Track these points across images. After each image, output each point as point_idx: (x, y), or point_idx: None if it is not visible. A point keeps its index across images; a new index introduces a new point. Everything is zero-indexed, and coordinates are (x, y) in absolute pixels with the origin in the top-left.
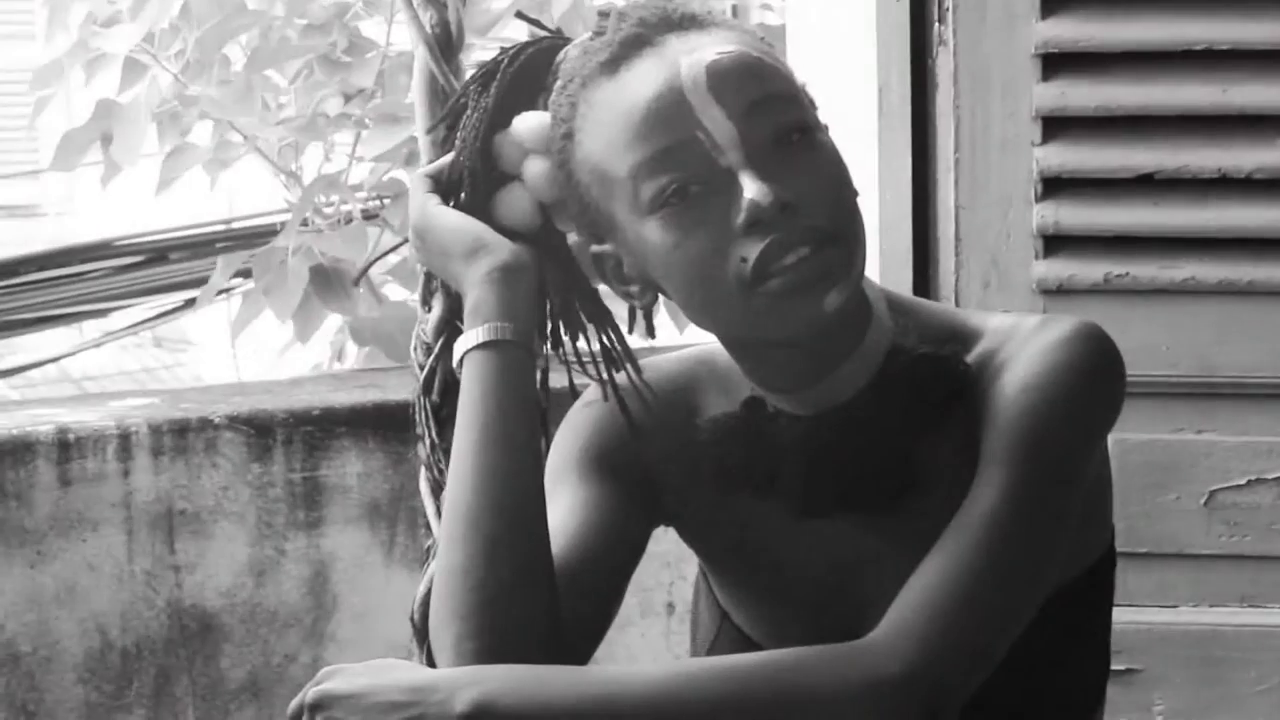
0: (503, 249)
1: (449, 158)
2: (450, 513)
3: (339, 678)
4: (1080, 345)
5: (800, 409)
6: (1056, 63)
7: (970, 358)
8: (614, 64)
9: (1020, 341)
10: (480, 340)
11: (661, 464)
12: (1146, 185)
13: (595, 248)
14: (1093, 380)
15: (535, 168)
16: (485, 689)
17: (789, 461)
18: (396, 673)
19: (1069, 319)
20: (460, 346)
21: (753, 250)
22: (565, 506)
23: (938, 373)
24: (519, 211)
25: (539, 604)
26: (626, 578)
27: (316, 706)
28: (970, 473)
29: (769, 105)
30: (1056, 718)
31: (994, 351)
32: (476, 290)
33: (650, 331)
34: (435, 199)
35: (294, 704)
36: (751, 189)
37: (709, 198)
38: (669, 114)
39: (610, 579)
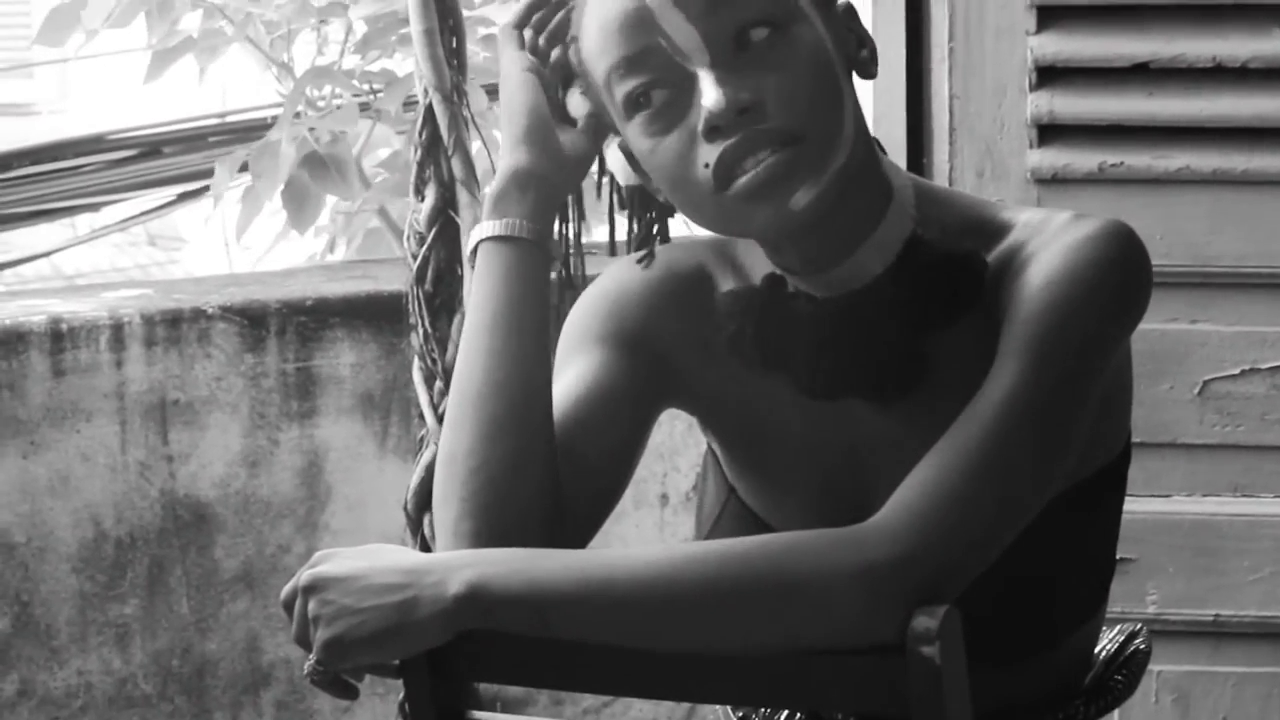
0: (546, 155)
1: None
2: (455, 396)
3: (333, 561)
4: (1108, 243)
5: (818, 291)
6: None
7: (996, 252)
8: None
9: (1049, 236)
10: (498, 234)
11: (677, 338)
12: (1141, 74)
13: (619, 140)
14: (1118, 278)
15: None
16: (480, 571)
17: (801, 341)
18: (391, 555)
19: (1100, 218)
20: (477, 233)
21: (712, 156)
22: (575, 377)
23: (954, 268)
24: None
25: (539, 487)
26: (634, 453)
27: (310, 589)
28: (988, 367)
29: (730, 2)
30: (1061, 612)
31: (1021, 245)
32: (507, 181)
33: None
34: (523, 59)
35: (288, 587)
36: (708, 96)
37: (674, 103)
38: (632, 21)
39: (617, 452)
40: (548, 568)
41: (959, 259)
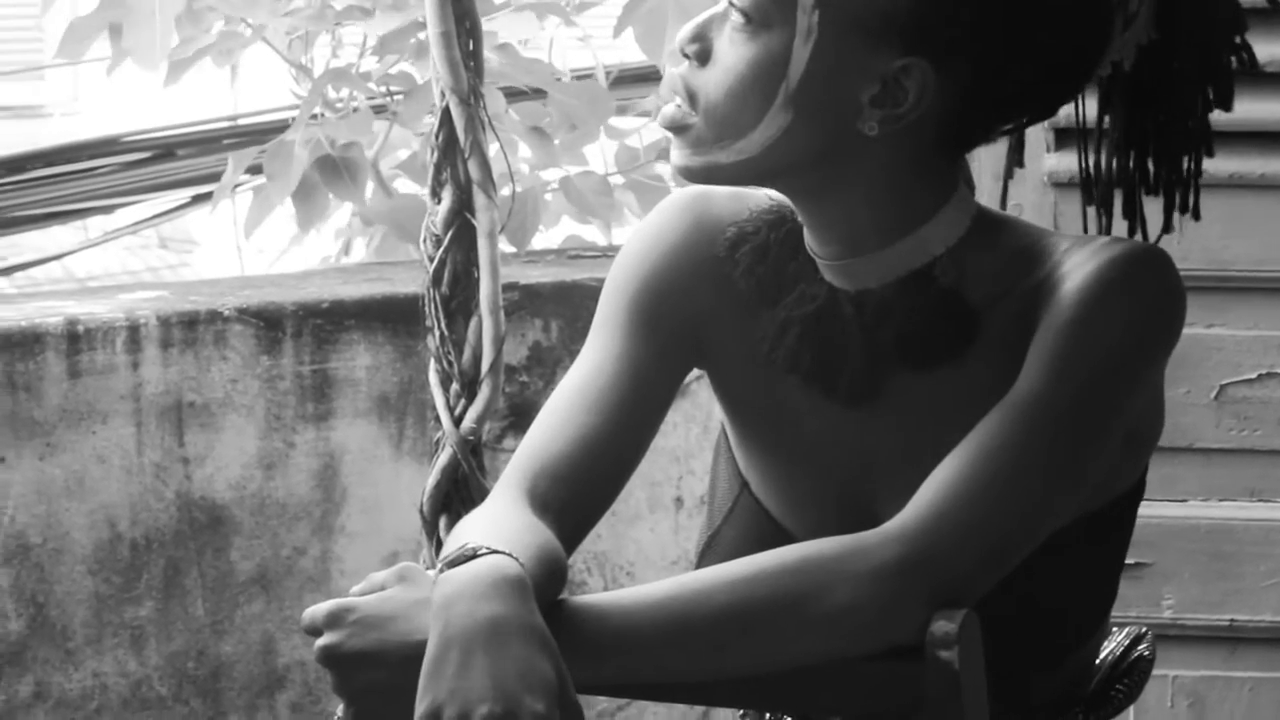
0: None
1: None
2: None
3: (347, 629)
4: (1141, 268)
5: (835, 279)
6: None
7: (1038, 275)
8: None
9: (1084, 257)
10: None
11: (709, 307)
12: None
13: None
14: (1148, 303)
15: None
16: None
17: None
18: (404, 625)
19: (1135, 242)
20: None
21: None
22: (604, 357)
23: (935, 317)
24: None
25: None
26: (652, 433)
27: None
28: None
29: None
30: (1058, 635)
31: (1058, 265)
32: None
33: None
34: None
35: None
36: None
37: None
38: None
39: (637, 437)
40: (563, 642)
41: (944, 310)
